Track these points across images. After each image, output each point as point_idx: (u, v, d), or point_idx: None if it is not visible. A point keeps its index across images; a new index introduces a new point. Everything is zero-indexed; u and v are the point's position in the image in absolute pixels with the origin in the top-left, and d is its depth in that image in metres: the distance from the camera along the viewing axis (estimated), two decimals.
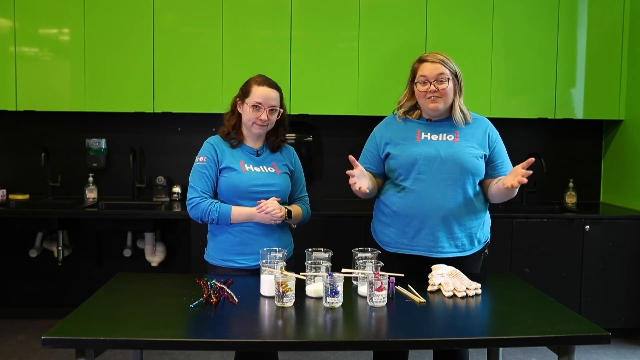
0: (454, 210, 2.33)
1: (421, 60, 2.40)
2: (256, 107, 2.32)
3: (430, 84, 2.33)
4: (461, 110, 2.39)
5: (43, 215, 3.78)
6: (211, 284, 1.98)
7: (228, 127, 2.41)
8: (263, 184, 2.34)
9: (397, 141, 2.41)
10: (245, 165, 2.36)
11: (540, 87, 3.95)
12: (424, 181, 2.32)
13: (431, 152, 2.33)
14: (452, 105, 2.38)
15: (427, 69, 2.35)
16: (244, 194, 2.32)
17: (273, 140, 2.43)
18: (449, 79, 2.34)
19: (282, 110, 2.39)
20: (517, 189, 2.39)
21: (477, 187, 2.39)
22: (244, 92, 2.38)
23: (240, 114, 2.40)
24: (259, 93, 2.32)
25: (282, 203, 2.38)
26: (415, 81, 2.37)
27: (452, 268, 2.20)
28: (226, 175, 2.34)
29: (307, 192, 2.57)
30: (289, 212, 2.37)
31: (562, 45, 3.92)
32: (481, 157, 2.37)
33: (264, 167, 2.39)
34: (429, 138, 2.38)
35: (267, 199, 2.32)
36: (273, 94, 2.35)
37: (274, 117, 2.36)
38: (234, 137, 2.39)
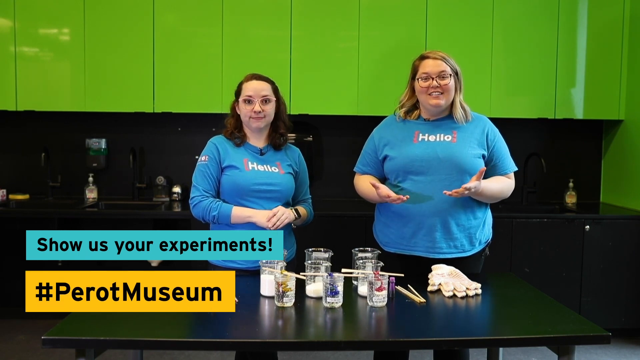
0: (452, 211, 2.33)
1: (422, 58, 2.40)
2: (248, 101, 2.34)
3: (433, 79, 2.33)
4: (462, 107, 2.39)
5: (43, 215, 3.79)
6: None
7: (230, 128, 2.42)
8: (266, 182, 2.34)
9: (395, 143, 2.41)
10: (249, 163, 2.36)
11: (540, 87, 3.95)
12: (421, 182, 2.32)
13: (428, 153, 2.33)
14: (452, 102, 2.38)
15: (429, 66, 2.35)
16: (247, 192, 2.32)
17: (274, 136, 2.43)
18: (450, 75, 2.34)
19: (275, 99, 2.39)
20: (504, 190, 2.41)
21: None
22: (237, 92, 2.41)
23: (239, 115, 2.40)
24: (249, 87, 2.35)
25: (284, 203, 2.39)
26: (417, 77, 2.38)
27: (452, 268, 2.20)
28: (229, 173, 2.34)
29: (310, 194, 2.58)
30: (297, 210, 2.38)
31: (562, 45, 3.92)
32: (479, 157, 2.37)
33: (268, 166, 2.38)
34: (426, 139, 2.37)
35: (269, 198, 2.33)
36: (263, 85, 2.36)
37: (269, 108, 2.36)
38: (237, 135, 2.40)
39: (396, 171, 2.37)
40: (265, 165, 2.38)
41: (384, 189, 2.28)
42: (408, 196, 2.28)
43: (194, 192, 2.36)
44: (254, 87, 2.35)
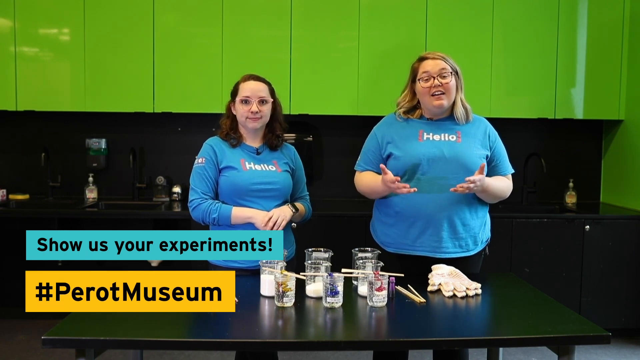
0: (458, 210, 2.33)
1: (422, 59, 2.40)
2: (245, 101, 2.34)
3: (434, 79, 2.33)
4: (463, 106, 2.39)
5: (43, 215, 3.79)
6: None
7: (225, 129, 2.42)
8: (264, 181, 2.34)
9: (399, 141, 2.40)
10: (246, 163, 2.36)
11: (540, 87, 3.95)
12: (428, 182, 2.32)
13: (435, 153, 2.33)
14: (453, 102, 2.38)
15: (429, 65, 2.35)
16: (245, 192, 2.32)
17: (270, 137, 2.43)
18: (451, 73, 2.34)
19: (272, 100, 2.40)
20: (505, 190, 2.41)
21: None
22: (233, 93, 2.42)
23: (235, 116, 2.41)
24: (246, 87, 2.36)
25: (283, 202, 2.39)
26: (418, 78, 2.37)
27: (452, 268, 2.20)
28: (227, 174, 2.35)
29: (307, 191, 2.58)
30: (294, 206, 2.38)
31: (562, 45, 3.92)
32: (484, 157, 2.37)
33: (265, 165, 2.39)
34: (431, 138, 2.37)
35: (268, 197, 2.33)
36: (260, 86, 2.37)
37: (266, 108, 2.37)
38: (233, 136, 2.40)
39: (402, 170, 2.35)
40: (262, 165, 2.38)
41: (392, 175, 2.25)
42: (416, 189, 2.26)
43: (193, 195, 2.36)
44: (251, 88, 2.35)
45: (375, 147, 2.46)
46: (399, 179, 2.25)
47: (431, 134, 2.38)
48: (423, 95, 2.37)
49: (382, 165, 2.30)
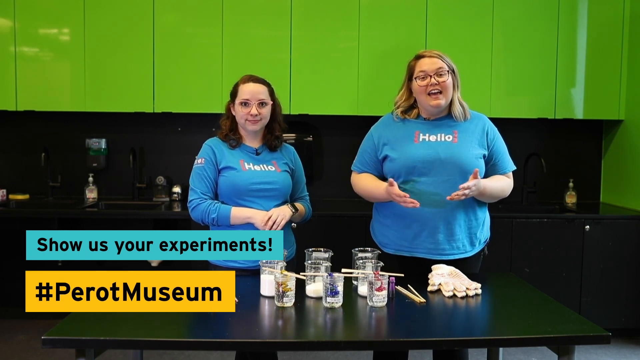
0: (455, 212, 2.32)
1: (418, 57, 2.40)
2: (244, 103, 2.34)
3: (431, 77, 2.32)
4: (460, 104, 2.39)
5: (43, 215, 3.79)
6: None
7: (225, 130, 2.42)
8: (263, 181, 2.34)
9: (395, 142, 2.39)
10: (245, 164, 2.36)
11: (540, 87, 3.95)
12: (424, 183, 2.31)
13: (430, 154, 2.32)
14: (451, 100, 2.38)
15: (425, 64, 2.34)
16: (244, 192, 2.32)
17: (269, 138, 2.43)
18: (448, 72, 2.34)
19: (272, 103, 2.40)
20: (505, 189, 2.41)
21: None
22: (233, 94, 2.41)
23: (234, 117, 2.41)
24: (245, 90, 2.35)
25: (283, 202, 2.39)
26: (415, 77, 2.37)
27: (452, 268, 2.20)
28: (226, 174, 2.35)
29: (307, 191, 2.58)
30: (294, 206, 2.38)
31: (562, 45, 3.92)
32: (481, 157, 2.36)
33: (264, 165, 2.39)
34: (427, 139, 2.36)
35: (267, 197, 2.33)
36: (260, 88, 2.37)
37: (265, 111, 2.37)
38: (232, 137, 2.40)
39: (397, 172, 2.35)
40: (261, 165, 2.39)
41: (398, 188, 2.25)
42: (419, 203, 2.25)
43: (192, 195, 2.36)
44: (250, 91, 2.35)
45: (371, 149, 2.46)
46: (408, 195, 2.23)
47: (427, 134, 2.37)
48: (420, 94, 2.37)
49: (390, 179, 2.28)
